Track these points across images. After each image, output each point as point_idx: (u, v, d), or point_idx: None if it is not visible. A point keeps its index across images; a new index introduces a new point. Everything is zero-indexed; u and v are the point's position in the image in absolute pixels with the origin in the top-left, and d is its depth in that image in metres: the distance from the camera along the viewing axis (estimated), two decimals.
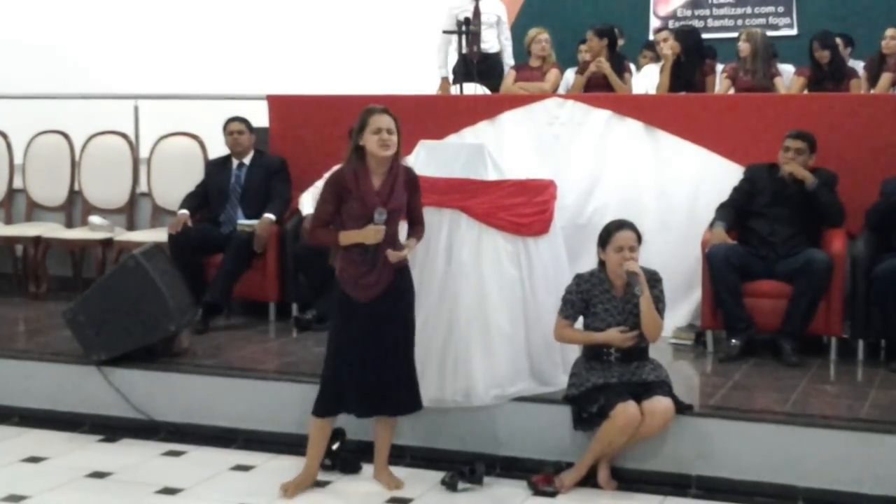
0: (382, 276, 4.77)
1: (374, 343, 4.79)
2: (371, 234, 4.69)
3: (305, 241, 6.42)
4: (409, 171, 4.89)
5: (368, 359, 4.80)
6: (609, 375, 4.96)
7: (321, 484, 5.03)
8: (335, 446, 5.19)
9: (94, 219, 8.11)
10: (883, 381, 5.65)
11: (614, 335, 4.94)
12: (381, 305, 4.79)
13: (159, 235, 7.38)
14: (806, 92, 8.09)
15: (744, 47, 8.20)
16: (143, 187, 8.39)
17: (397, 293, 4.84)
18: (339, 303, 4.86)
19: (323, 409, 4.89)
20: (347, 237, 4.77)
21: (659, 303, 4.98)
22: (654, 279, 5.01)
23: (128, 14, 11.33)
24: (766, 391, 5.48)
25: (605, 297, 5.02)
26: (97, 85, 9.37)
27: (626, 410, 4.81)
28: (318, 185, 6.50)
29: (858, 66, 8.58)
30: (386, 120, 4.74)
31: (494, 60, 9.29)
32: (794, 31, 10.98)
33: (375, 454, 5.04)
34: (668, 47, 8.17)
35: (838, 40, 8.46)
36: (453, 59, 9.13)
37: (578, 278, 5.10)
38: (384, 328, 4.81)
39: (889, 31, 8.22)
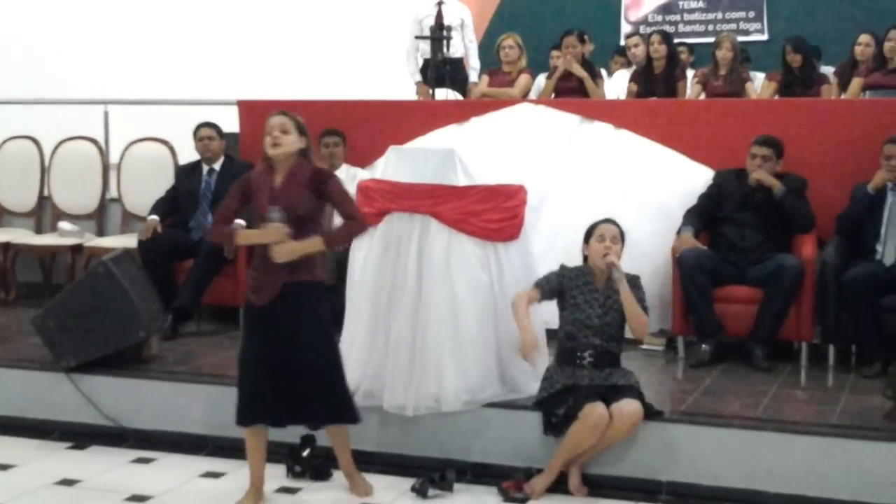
0: (270, 278, 4.59)
1: (276, 350, 4.62)
2: (272, 233, 4.57)
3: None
4: (317, 171, 4.73)
5: (273, 366, 4.63)
6: (580, 378, 4.97)
7: (291, 490, 5.01)
8: (305, 453, 5.18)
9: (64, 225, 8.06)
10: (853, 387, 5.67)
11: (528, 340, 4.91)
12: (279, 310, 4.61)
13: (129, 241, 7.34)
14: (777, 97, 8.13)
15: (727, 55, 8.22)
16: (112, 193, 8.35)
17: (298, 297, 4.62)
18: (245, 307, 4.82)
19: (239, 417, 4.75)
20: (246, 236, 4.75)
21: (642, 303, 5.00)
22: (633, 283, 5.03)
23: (98, 19, 11.26)
24: (737, 396, 5.49)
25: (587, 288, 5.04)
26: (67, 90, 9.30)
27: (593, 411, 4.82)
28: None
29: (829, 71, 8.63)
30: (276, 121, 4.69)
31: (458, 65, 9.29)
32: (764, 37, 11.07)
33: (339, 461, 5.00)
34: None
35: None
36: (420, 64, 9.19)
37: (563, 267, 5.14)
38: (286, 335, 4.61)
39: (862, 37, 8.27)
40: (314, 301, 4.70)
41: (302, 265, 4.62)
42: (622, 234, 5.10)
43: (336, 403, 4.79)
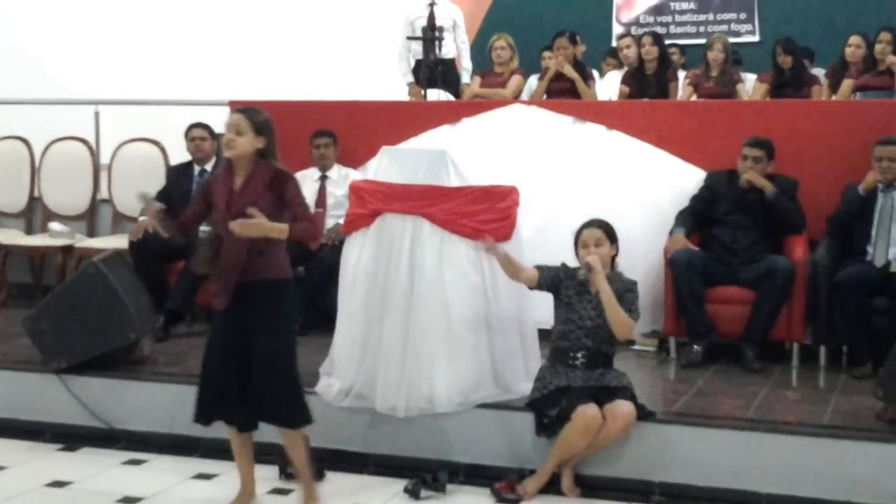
0: (222, 281, 4.52)
1: (232, 350, 4.52)
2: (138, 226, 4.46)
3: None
4: (278, 173, 4.52)
5: (228, 366, 4.54)
6: (573, 379, 4.97)
7: (284, 492, 5.00)
8: None
9: (55, 225, 8.04)
10: (844, 387, 5.68)
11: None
12: (236, 311, 4.51)
13: (120, 242, 7.33)
14: (768, 98, 8.15)
15: (719, 57, 8.25)
16: (103, 194, 8.33)
17: (253, 297, 4.50)
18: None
19: (196, 415, 4.69)
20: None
21: (631, 306, 4.99)
22: (626, 288, 5.03)
23: (88, 19, 11.23)
24: (729, 397, 5.50)
25: (582, 289, 5.04)
26: (57, 90, 9.27)
27: (586, 412, 4.82)
28: None
29: (819, 73, 8.65)
30: (232, 119, 4.51)
31: (450, 65, 9.28)
32: (756, 38, 11.07)
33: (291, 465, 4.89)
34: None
35: None
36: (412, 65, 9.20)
37: (564, 265, 5.14)
38: (242, 334, 4.50)
39: (853, 39, 8.29)
40: (271, 300, 4.53)
41: (258, 264, 4.49)
42: (610, 232, 5.08)
43: (283, 405, 4.58)
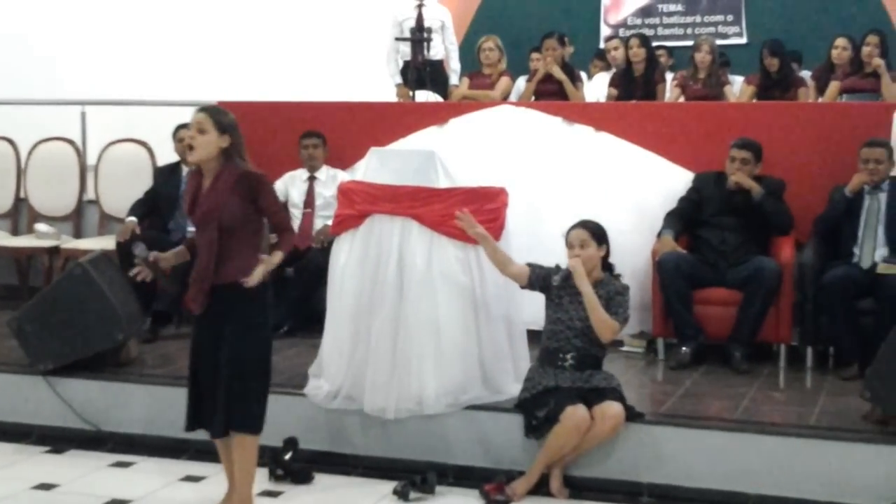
0: (197, 284, 4.49)
1: (206, 356, 4.49)
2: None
3: None
4: (245, 175, 4.40)
5: (204, 372, 4.54)
6: (561, 380, 4.98)
7: (273, 494, 4.99)
8: (287, 456, 5.16)
9: (41, 226, 8.00)
10: (831, 389, 5.70)
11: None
12: (210, 315, 4.47)
13: (107, 243, 7.30)
14: (755, 100, 8.17)
15: (706, 59, 8.26)
16: (90, 194, 8.29)
17: (225, 300, 4.43)
18: None
19: (185, 421, 4.67)
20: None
21: (619, 309, 4.98)
22: (617, 291, 5.03)
23: (75, 18, 11.18)
24: (717, 398, 5.51)
25: (573, 290, 5.04)
26: (43, 90, 9.22)
27: (575, 413, 4.82)
28: None
29: (806, 75, 8.67)
30: (195, 119, 4.41)
31: (438, 67, 9.28)
32: (743, 40, 11.11)
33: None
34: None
35: None
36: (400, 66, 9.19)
37: (557, 266, 5.15)
38: (213, 344, 4.45)
39: (839, 41, 8.31)
40: (239, 304, 4.44)
41: (227, 268, 4.42)
42: (598, 233, 5.08)
43: (239, 407, 4.46)
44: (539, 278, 5.11)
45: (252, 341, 4.49)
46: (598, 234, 5.09)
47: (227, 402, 4.45)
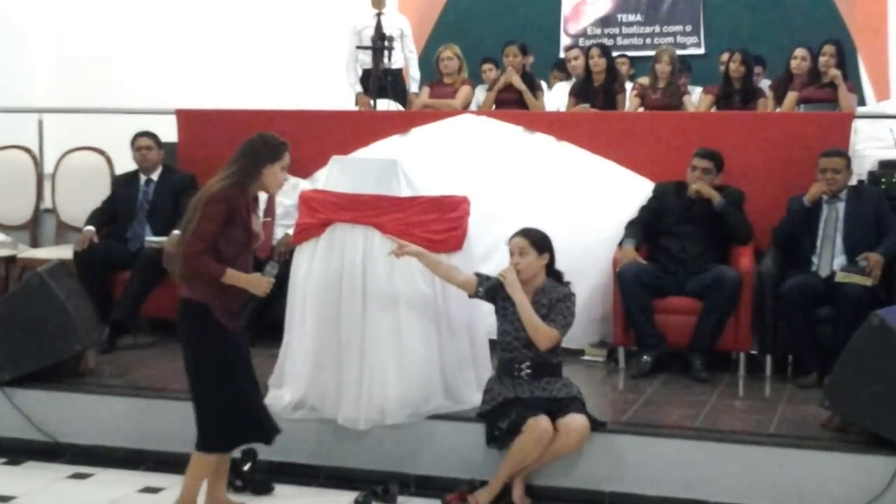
0: (238, 307, 4.57)
1: (251, 369, 4.63)
2: (254, 283, 4.53)
3: None
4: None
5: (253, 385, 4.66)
6: (520, 391, 4.97)
7: None
8: (246, 467, 5.12)
9: None
10: (790, 396, 5.74)
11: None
12: (241, 334, 4.65)
13: (64, 252, 7.23)
14: (714, 110, 8.22)
15: (666, 69, 8.30)
16: (47, 203, 8.23)
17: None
18: None
19: (265, 435, 4.74)
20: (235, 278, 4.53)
21: (558, 316, 4.93)
22: (559, 297, 4.99)
23: (31, 26, 11.08)
24: (677, 407, 5.53)
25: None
26: None
27: (537, 424, 4.81)
28: None
29: (765, 85, 8.74)
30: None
31: (398, 76, 9.27)
32: (701, 51, 11.19)
33: None
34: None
35: None
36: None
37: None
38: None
39: (798, 52, 8.36)
40: (185, 321, 4.48)
41: (187, 283, 4.46)
42: (537, 241, 5.01)
43: (201, 427, 4.52)
44: (487, 288, 5.07)
45: (197, 361, 4.53)
46: (538, 241, 5.03)
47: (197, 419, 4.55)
